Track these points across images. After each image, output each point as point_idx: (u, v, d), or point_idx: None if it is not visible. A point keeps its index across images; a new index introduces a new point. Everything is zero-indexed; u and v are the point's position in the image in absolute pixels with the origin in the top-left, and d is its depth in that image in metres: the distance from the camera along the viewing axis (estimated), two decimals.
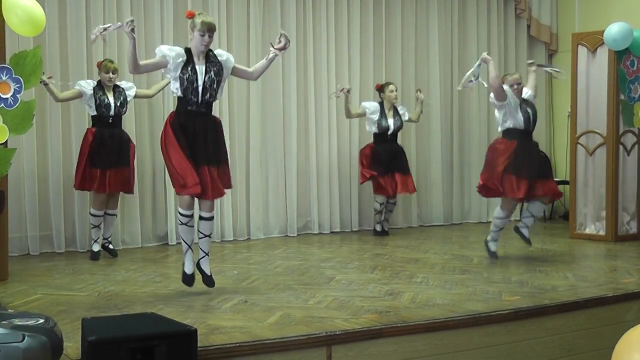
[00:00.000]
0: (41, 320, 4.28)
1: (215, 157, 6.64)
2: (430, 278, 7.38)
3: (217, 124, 6.80)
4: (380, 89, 10.34)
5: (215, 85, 6.64)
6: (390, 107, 10.23)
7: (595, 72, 9.82)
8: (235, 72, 6.96)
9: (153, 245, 9.64)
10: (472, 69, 8.29)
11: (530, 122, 8.23)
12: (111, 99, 8.65)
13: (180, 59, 6.58)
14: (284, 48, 6.94)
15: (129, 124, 9.09)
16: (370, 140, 10.35)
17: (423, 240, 10.12)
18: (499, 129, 8.39)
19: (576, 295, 6.55)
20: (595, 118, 9.76)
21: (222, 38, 9.99)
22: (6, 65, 7.19)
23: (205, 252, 6.78)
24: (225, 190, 6.83)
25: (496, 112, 8.36)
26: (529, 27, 12.32)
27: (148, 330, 4.57)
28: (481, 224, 11.77)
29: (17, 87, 7.20)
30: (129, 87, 8.88)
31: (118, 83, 8.80)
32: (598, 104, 9.75)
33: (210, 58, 6.71)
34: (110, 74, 8.65)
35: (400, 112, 10.35)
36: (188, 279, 6.78)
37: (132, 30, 6.37)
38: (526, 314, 6.01)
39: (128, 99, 8.83)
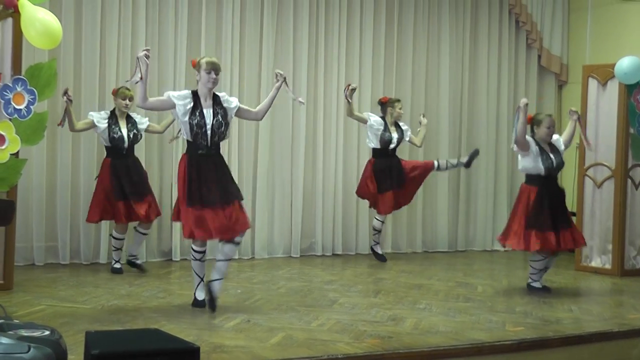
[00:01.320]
0: (47, 332, 4.29)
1: (233, 195, 6.88)
2: (434, 305, 7.37)
3: (223, 161, 7.04)
4: (387, 103, 10.20)
5: (223, 128, 6.86)
6: (392, 123, 10.13)
7: (605, 104, 9.81)
8: (241, 113, 7.19)
9: (157, 261, 9.63)
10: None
11: (554, 168, 8.15)
12: (124, 131, 8.70)
13: (189, 106, 6.75)
14: (280, 86, 7.19)
15: (138, 148, 9.07)
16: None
17: (427, 266, 10.10)
18: (519, 167, 8.36)
19: (581, 329, 6.54)
20: (604, 151, 9.74)
21: (234, 57, 10.05)
22: (21, 77, 7.25)
23: (222, 276, 6.98)
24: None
25: (519, 156, 8.31)
26: (539, 57, 12.32)
27: (151, 346, 4.56)
28: (486, 252, 11.76)
29: (31, 98, 7.26)
30: (142, 121, 8.93)
31: (131, 114, 8.85)
32: (607, 136, 9.73)
33: (217, 101, 6.89)
34: (127, 100, 8.69)
35: (403, 127, 10.22)
36: (200, 304, 6.95)
37: (146, 56, 6.46)
38: (530, 345, 6.00)
39: (140, 132, 8.87)
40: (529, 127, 8.21)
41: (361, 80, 11.00)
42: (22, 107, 7.23)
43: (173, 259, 9.68)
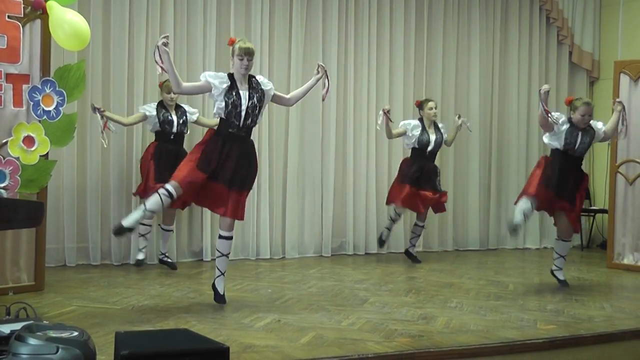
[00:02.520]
0: (75, 333, 4.30)
1: (241, 182, 6.84)
2: (465, 303, 7.33)
3: (252, 148, 6.99)
4: (420, 105, 10.13)
5: (257, 111, 6.86)
6: (431, 124, 9.92)
7: (637, 100, 9.74)
8: (274, 99, 7.22)
9: (188, 261, 9.66)
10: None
11: (576, 146, 8.07)
12: (174, 117, 8.85)
13: (225, 85, 6.78)
14: (320, 77, 7.24)
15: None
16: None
17: (458, 264, 10.06)
18: (548, 145, 8.30)
19: (613, 327, 6.48)
20: (636, 147, 9.67)
21: (263, 59, 10.05)
22: (50, 79, 7.30)
23: (221, 272, 7.01)
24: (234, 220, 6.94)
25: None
26: (570, 53, 12.25)
27: (180, 347, 4.57)
28: (517, 250, 11.72)
29: (60, 100, 7.30)
30: (192, 111, 9.06)
31: (181, 104, 8.94)
32: (639, 133, 9.65)
33: (252, 84, 6.93)
34: (172, 94, 8.76)
35: (442, 130, 10.07)
36: (220, 298, 7.04)
37: (165, 44, 6.48)
38: (561, 343, 5.96)
39: (189, 120, 8.98)
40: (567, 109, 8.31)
41: (391, 80, 10.99)
42: (51, 108, 7.28)
43: (204, 259, 9.69)
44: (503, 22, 11.91)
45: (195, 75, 9.52)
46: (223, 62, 9.71)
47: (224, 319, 6.44)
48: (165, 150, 8.80)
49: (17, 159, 7.10)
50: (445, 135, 10.11)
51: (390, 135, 9.83)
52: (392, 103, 10.70)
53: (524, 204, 7.96)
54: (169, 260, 9.11)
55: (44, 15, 7.22)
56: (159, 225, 9.15)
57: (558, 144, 8.09)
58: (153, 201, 6.68)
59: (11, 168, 7.05)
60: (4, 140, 7.07)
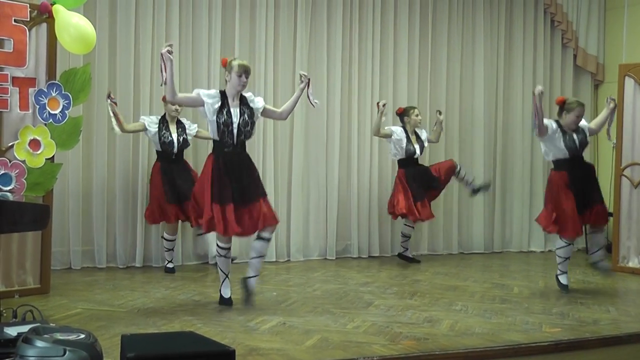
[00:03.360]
0: (82, 336, 4.31)
1: (255, 193, 7.03)
2: (470, 306, 7.34)
3: (249, 160, 7.15)
4: (404, 112, 10.19)
5: (248, 127, 7.02)
6: (412, 132, 10.10)
7: None
8: (267, 114, 7.43)
9: (193, 264, 9.67)
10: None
11: (577, 148, 8.10)
12: (174, 136, 8.90)
13: (217, 105, 6.92)
14: (304, 87, 7.30)
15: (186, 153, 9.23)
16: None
17: (463, 267, 10.06)
18: (546, 158, 8.38)
19: (618, 330, 6.48)
20: None
21: (268, 66, 10.07)
22: (56, 82, 7.32)
23: (256, 273, 7.21)
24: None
25: (541, 144, 8.30)
26: (575, 56, 12.23)
27: (186, 349, 4.58)
28: (522, 253, 11.70)
29: (66, 103, 7.33)
30: (191, 126, 9.11)
31: (181, 119, 9.00)
32: None
33: (243, 100, 7.06)
34: (176, 106, 8.80)
35: (422, 136, 10.22)
36: (226, 301, 7.12)
37: (169, 52, 6.56)
38: (567, 346, 5.96)
39: (189, 137, 9.04)
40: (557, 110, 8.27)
41: (395, 86, 10.99)
42: (57, 112, 7.30)
43: (209, 262, 9.68)
44: (507, 26, 11.90)
45: (200, 81, 9.63)
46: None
47: (230, 321, 6.46)
48: (169, 169, 8.88)
49: (23, 162, 7.13)
50: (425, 136, 10.28)
51: (376, 132, 9.99)
52: (397, 107, 10.69)
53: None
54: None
55: (50, 19, 7.24)
56: (199, 234, 9.29)
57: (562, 154, 8.10)
58: (224, 265, 7.15)
59: (17, 171, 7.07)
60: (10, 144, 7.09)
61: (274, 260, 10.04)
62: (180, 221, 9.12)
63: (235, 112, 6.95)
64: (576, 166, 8.13)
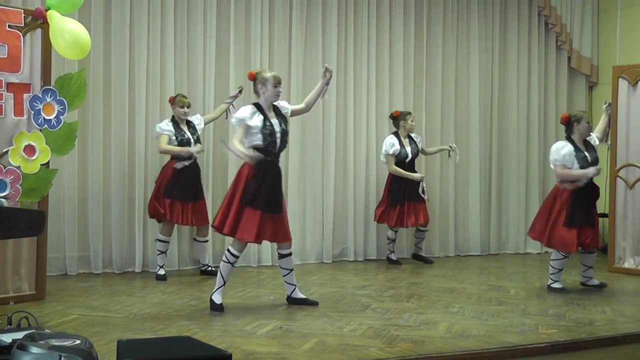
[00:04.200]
0: (78, 341, 4.31)
1: (282, 205, 7.26)
2: (467, 308, 7.34)
3: (281, 172, 7.35)
4: (399, 116, 10.27)
5: (286, 136, 7.20)
6: (406, 136, 10.21)
7: (635, 105, 9.75)
8: (292, 114, 7.53)
9: (189, 269, 9.65)
10: None
11: (589, 166, 8.20)
12: (189, 135, 8.94)
13: (258, 117, 7.03)
14: (328, 80, 7.40)
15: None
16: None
17: (459, 270, 10.06)
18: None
19: (614, 330, 6.49)
20: (635, 151, 9.69)
21: (263, 66, 10.01)
22: (51, 88, 7.31)
23: (294, 285, 7.44)
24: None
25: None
26: (569, 58, 12.26)
27: (183, 354, 4.58)
28: (518, 255, 11.72)
29: (61, 108, 7.32)
30: (198, 121, 9.13)
31: (188, 118, 9.03)
32: (638, 137, 9.67)
33: (277, 110, 7.20)
34: (185, 108, 8.92)
35: (416, 139, 10.36)
36: (218, 307, 7.10)
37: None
38: (563, 347, 5.96)
39: (199, 132, 9.10)
40: (564, 126, 8.39)
41: (391, 87, 11.00)
42: (52, 117, 7.29)
43: (202, 268, 9.65)
44: (502, 29, 11.92)
45: (195, 84, 9.68)
46: (222, 70, 9.79)
47: (226, 326, 6.45)
48: (184, 169, 8.88)
49: (18, 168, 7.11)
50: (420, 145, 10.41)
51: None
52: (392, 110, 10.71)
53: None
54: (213, 269, 9.17)
55: (44, 24, 7.23)
56: (194, 239, 9.35)
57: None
58: (226, 271, 7.15)
59: (12, 177, 7.05)
60: (5, 150, 7.08)
61: (271, 264, 10.03)
62: (176, 224, 9.09)
63: (275, 122, 7.10)
64: (585, 184, 8.23)
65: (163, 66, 9.54)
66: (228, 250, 7.13)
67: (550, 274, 8.44)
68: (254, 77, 7.21)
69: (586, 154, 8.20)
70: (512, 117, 11.90)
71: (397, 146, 10.10)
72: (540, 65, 12.12)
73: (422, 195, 10.05)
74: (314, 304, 7.41)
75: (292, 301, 7.43)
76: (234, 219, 6.95)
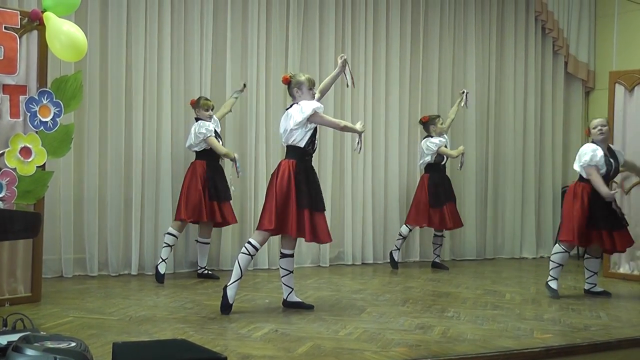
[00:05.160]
0: (73, 344, 4.30)
1: (322, 203, 7.34)
2: (462, 313, 7.34)
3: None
4: (429, 121, 10.32)
5: (317, 137, 7.37)
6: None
7: (632, 110, 9.76)
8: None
9: (185, 272, 9.65)
10: None
11: (610, 175, 8.38)
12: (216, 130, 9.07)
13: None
14: (343, 66, 7.58)
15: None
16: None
17: (455, 274, 10.06)
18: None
19: (609, 335, 6.49)
20: (631, 157, 9.65)
21: (260, 71, 10.09)
22: (47, 90, 7.30)
23: (291, 287, 7.45)
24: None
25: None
26: (566, 63, 12.29)
27: (178, 357, 4.57)
28: (514, 259, 11.74)
29: (57, 111, 7.32)
30: (215, 119, 9.15)
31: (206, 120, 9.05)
32: (635, 142, 9.67)
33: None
34: (210, 111, 9.00)
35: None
36: (225, 305, 7.09)
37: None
38: (558, 352, 5.97)
39: (219, 131, 9.17)
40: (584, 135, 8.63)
41: (387, 91, 11.01)
42: (48, 119, 7.29)
43: (198, 270, 9.64)
44: (499, 34, 11.95)
45: (192, 86, 9.67)
46: (219, 71, 9.81)
47: (222, 329, 6.45)
48: (213, 168, 9.05)
49: (14, 170, 7.11)
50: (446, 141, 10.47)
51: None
52: (389, 115, 10.78)
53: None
54: (210, 272, 9.26)
55: (40, 26, 7.23)
56: (196, 240, 9.35)
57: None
58: (245, 263, 7.14)
59: (8, 179, 7.05)
60: (1, 151, 7.07)
61: (267, 267, 10.04)
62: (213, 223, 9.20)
63: (312, 125, 7.21)
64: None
65: (160, 68, 9.53)
66: (250, 242, 7.15)
67: (550, 270, 8.44)
68: (286, 81, 7.33)
69: (611, 160, 8.32)
70: (508, 122, 11.92)
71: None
72: (536, 70, 12.15)
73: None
74: (309, 307, 7.40)
75: (287, 305, 7.43)
76: (270, 215, 7.11)
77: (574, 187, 8.40)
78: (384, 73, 11.04)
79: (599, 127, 8.24)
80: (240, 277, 7.10)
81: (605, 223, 8.21)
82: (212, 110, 9.03)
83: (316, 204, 7.21)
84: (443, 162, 10.34)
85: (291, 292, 7.47)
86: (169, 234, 8.97)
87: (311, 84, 7.24)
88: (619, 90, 9.89)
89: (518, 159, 11.97)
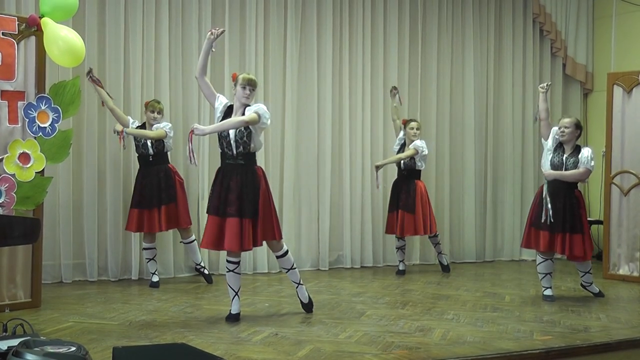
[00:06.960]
0: (73, 348, 4.31)
1: (253, 209, 6.93)
2: (462, 315, 7.34)
3: (256, 176, 7.05)
4: (404, 124, 10.21)
5: (245, 138, 6.93)
6: (409, 143, 10.08)
7: (630, 112, 9.77)
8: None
9: (185, 276, 9.65)
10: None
11: (559, 169, 8.17)
12: (148, 141, 8.84)
13: (219, 115, 7.03)
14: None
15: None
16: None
17: (455, 277, 10.07)
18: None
19: (609, 337, 6.50)
20: (630, 158, 9.71)
21: (259, 72, 10.06)
22: (45, 95, 7.31)
23: (296, 282, 7.39)
24: (270, 242, 7.26)
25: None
26: (564, 65, 12.29)
27: None
28: (513, 262, 11.74)
29: (56, 116, 7.32)
30: (168, 126, 8.95)
31: (158, 125, 8.88)
32: (633, 144, 9.69)
33: (245, 113, 6.97)
34: (155, 113, 8.87)
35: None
36: (232, 318, 7.02)
37: (220, 33, 6.84)
38: (558, 354, 5.97)
39: (169, 141, 8.94)
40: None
41: (386, 92, 10.97)
42: (46, 125, 7.29)
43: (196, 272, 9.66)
44: (497, 36, 11.95)
45: (190, 90, 9.64)
46: (217, 71, 9.76)
47: (222, 333, 6.45)
48: (145, 175, 8.88)
49: (13, 176, 7.11)
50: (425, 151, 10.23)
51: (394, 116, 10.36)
52: (387, 116, 10.74)
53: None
54: (206, 271, 9.25)
55: (38, 32, 7.24)
56: (180, 242, 9.27)
57: (545, 164, 8.33)
58: (232, 281, 7.03)
59: (7, 185, 7.05)
60: (0, 158, 7.08)
61: (267, 271, 10.05)
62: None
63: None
64: (556, 186, 8.19)
65: (157, 73, 9.54)
66: (226, 259, 7.05)
67: (540, 280, 8.45)
68: (234, 79, 7.16)
69: (564, 157, 8.21)
70: (507, 124, 11.92)
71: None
72: (535, 72, 12.15)
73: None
74: (308, 310, 7.42)
75: (305, 307, 7.50)
76: (206, 228, 7.03)
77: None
78: (382, 74, 11.02)
79: (562, 128, 8.20)
80: (236, 294, 7.06)
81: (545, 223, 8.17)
82: (157, 113, 8.86)
83: (223, 209, 6.95)
84: (403, 168, 10.06)
85: (297, 286, 7.43)
86: (144, 249, 9.01)
87: (245, 83, 6.94)
88: (617, 91, 9.90)
89: (517, 161, 11.97)
